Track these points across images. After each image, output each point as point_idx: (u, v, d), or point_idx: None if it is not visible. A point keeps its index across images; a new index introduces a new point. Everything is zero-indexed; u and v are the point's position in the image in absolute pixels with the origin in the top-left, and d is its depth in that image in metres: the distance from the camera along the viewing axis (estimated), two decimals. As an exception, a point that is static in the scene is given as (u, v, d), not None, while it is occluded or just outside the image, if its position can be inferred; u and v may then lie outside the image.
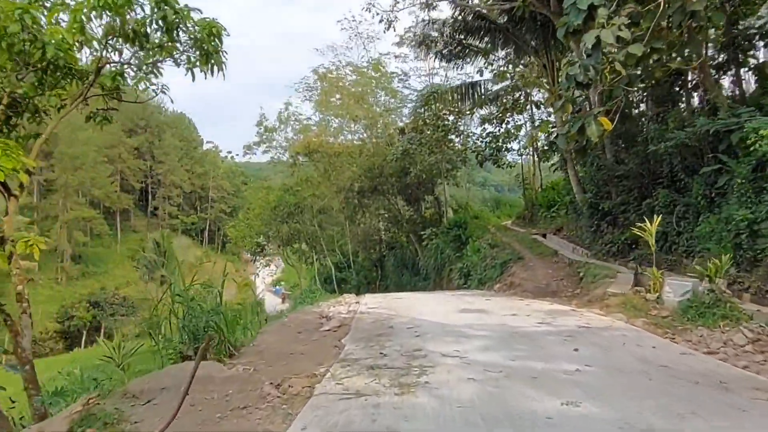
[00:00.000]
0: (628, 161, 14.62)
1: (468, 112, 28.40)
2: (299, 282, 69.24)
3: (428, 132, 28.95)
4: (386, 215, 34.92)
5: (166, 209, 76.51)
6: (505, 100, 26.78)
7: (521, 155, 32.59)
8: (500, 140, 29.67)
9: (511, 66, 27.54)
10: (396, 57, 36.38)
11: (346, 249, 47.32)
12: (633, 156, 14.40)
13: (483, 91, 24.77)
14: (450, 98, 24.37)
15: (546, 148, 29.75)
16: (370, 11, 24.16)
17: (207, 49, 7.59)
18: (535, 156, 30.71)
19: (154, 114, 78.50)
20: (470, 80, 26.86)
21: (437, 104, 26.79)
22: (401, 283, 34.31)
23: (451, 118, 28.52)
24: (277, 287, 75.51)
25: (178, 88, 11.44)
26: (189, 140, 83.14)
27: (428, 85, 27.42)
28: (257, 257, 41.18)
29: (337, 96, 32.52)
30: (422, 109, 28.12)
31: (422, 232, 29.23)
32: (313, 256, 51.25)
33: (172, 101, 25.57)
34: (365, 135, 32.68)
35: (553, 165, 23.73)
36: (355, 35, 33.33)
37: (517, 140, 31.29)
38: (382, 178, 31.42)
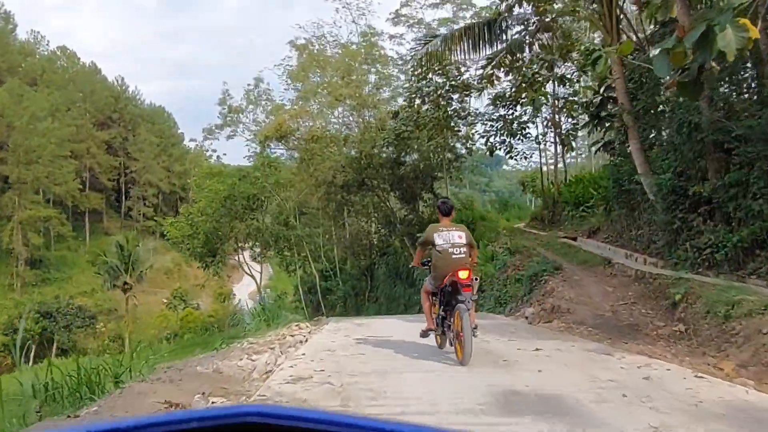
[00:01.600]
0: (748, 115, 9.18)
1: (479, 83, 22.94)
2: (283, 292, 63.77)
3: (427, 110, 23.55)
4: (376, 215, 29.44)
5: (141, 210, 70.53)
6: (524, 71, 21.25)
7: (539, 144, 27.14)
8: (514, 124, 24.20)
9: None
10: (391, 38, 31.15)
11: (332, 255, 41.82)
12: (758, 107, 9.03)
13: (503, 28, 19.02)
14: (457, 47, 18.85)
15: (571, 132, 24.39)
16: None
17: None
18: (557, 143, 25.25)
19: (128, 106, 72.97)
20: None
21: (442, 62, 21.38)
22: (393, 295, 28.80)
23: (468, 73, 23.02)
24: (261, 296, 69.95)
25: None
26: (167, 136, 77.41)
27: (427, 37, 21.83)
28: (213, 264, 33.50)
29: (317, 72, 27.14)
30: (419, 79, 22.73)
31: (419, 235, 23.73)
32: (295, 263, 45.82)
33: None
34: (351, 118, 27.27)
35: (595, 144, 18.28)
36: (344, 7, 28.09)
37: (534, 125, 25.89)
38: (372, 169, 25.99)
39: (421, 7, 31.08)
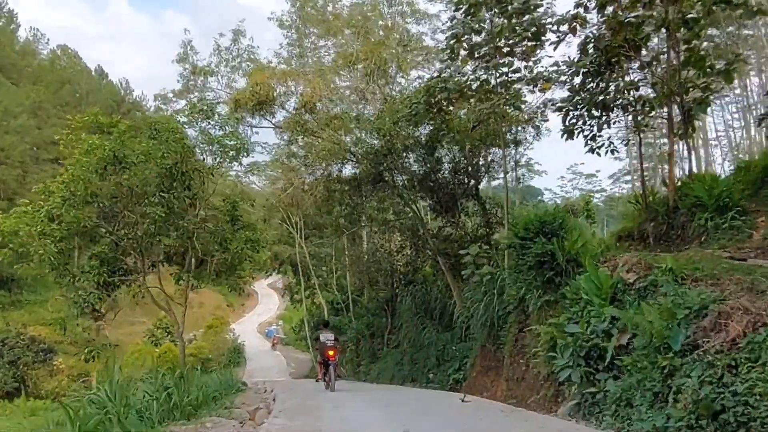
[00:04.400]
0: None
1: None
2: (299, 322, 55.44)
3: (477, 67, 15.42)
4: (400, 225, 21.10)
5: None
6: None
7: (642, 119, 18.40)
8: (609, 87, 15.66)
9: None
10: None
11: (346, 282, 33.54)
12: None
13: None
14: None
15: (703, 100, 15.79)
16: None
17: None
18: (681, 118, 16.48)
19: (132, 112, 66.75)
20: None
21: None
22: (421, 340, 20.28)
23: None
24: (270, 329, 61.59)
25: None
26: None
27: None
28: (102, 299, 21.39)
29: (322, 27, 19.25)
30: (467, 11, 14.59)
31: (462, 252, 15.29)
32: (302, 292, 37.59)
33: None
34: (366, 85, 19.19)
35: None
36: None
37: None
38: (393, 157, 17.85)
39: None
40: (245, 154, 14.42)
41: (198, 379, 13.53)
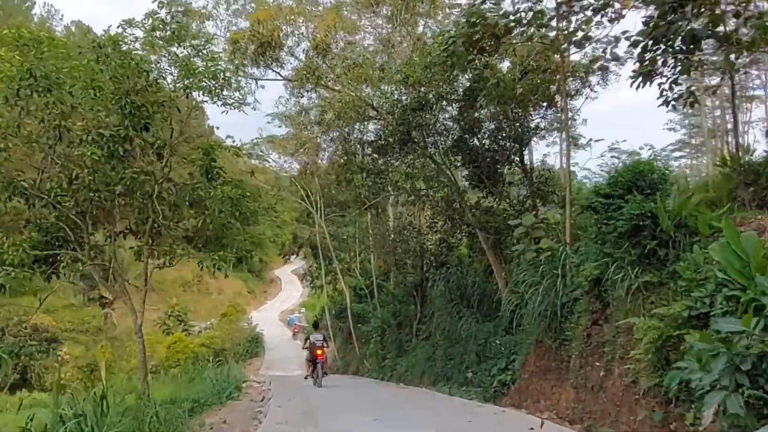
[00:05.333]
0: None
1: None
2: (319, 312, 52.90)
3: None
4: (431, 196, 17.92)
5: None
6: None
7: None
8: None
9: None
10: None
11: (370, 266, 30.62)
12: None
13: None
14: None
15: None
16: None
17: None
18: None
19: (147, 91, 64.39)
20: None
21: None
22: (456, 332, 17.18)
23: None
24: (292, 316, 59.11)
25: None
26: (191, 125, 68.41)
27: None
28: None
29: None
30: None
31: (513, 223, 12.08)
32: (322, 277, 34.78)
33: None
34: (391, 28, 15.98)
35: None
36: None
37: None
38: (423, 112, 14.70)
39: None
40: (234, 91, 11.17)
41: (175, 384, 10.66)
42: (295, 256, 43.06)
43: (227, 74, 10.64)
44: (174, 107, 10.89)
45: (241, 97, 11.98)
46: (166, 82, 10.96)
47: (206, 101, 11.03)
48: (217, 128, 30.63)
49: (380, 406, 13.53)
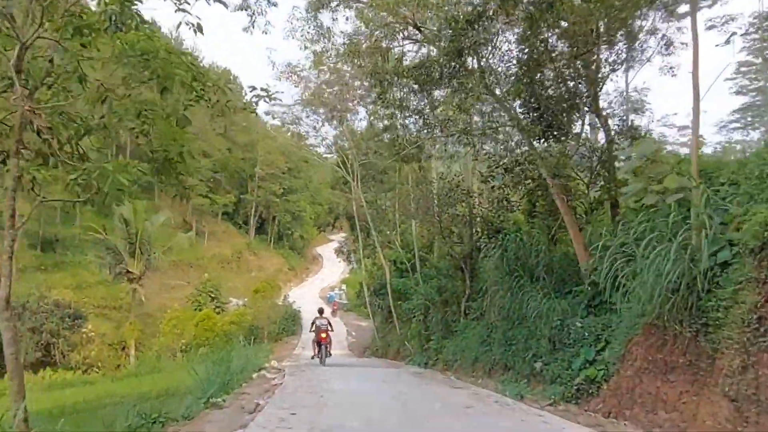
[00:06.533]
0: None
1: None
2: (358, 288, 50.15)
3: None
4: (488, 131, 14.29)
5: (193, 186, 59.28)
6: None
7: None
8: None
9: None
10: None
11: (410, 237, 27.41)
12: None
13: None
14: None
15: None
16: None
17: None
18: None
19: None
20: None
21: None
22: (518, 313, 13.80)
23: None
24: (332, 293, 56.66)
25: None
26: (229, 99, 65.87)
27: None
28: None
29: None
30: None
31: (622, 156, 8.53)
32: (360, 250, 31.79)
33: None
34: None
35: None
36: None
37: None
38: (481, 26, 11.18)
39: None
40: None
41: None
42: (330, 227, 40.14)
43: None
44: None
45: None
46: None
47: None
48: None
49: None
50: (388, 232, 28.62)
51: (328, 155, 32.46)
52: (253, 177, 66.49)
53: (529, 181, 14.47)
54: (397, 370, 19.39)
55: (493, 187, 15.57)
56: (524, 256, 15.23)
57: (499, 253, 15.87)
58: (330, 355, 19.96)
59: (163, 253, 33.96)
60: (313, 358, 20.22)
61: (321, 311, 21.66)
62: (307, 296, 54.35)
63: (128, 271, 31.64)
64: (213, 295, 38.66)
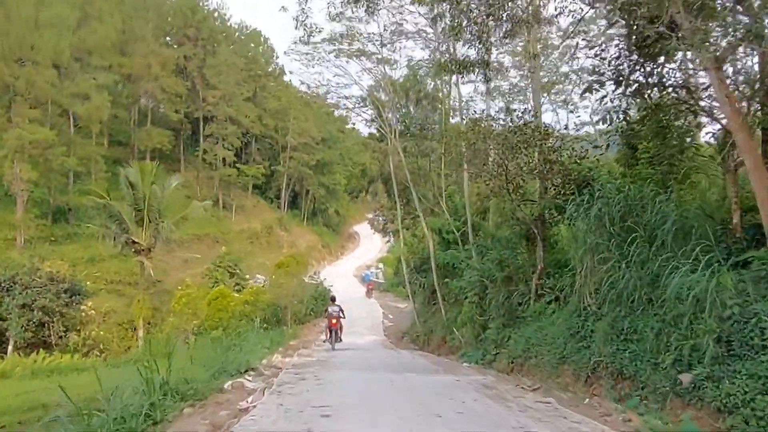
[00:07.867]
0: None
1: None
2: (394, 265, 45.53)
3: None
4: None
5: (219, 153, 55.22)
6: None
7: None
8: None
9: None
10: None
11: (460, 200, 22.63)
12: None
13: None
14: None
15: None
16: None
17: None
18: None
19: (208, 19, 57.96)
20: None
21: None
22: (644, 295, 9.00)
23: None
24: (367, 272, 52.39)
25: None
26: (258, 62, 61.45)
27: None
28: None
29: None
30: None
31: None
32: (398, 220, 27.17)
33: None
34: None
35: None
36: None
37: None
38: None
39: None
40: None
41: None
42: (364, 193, 35.69)
43: None
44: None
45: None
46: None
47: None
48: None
49: None
50: (432, 196, 23.92)
51: (362, 109, 27.92)
52: (285, 147, 62.40)
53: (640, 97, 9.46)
54: (455, 379, 12.72)
55: (602, 98, 10.50)
56: (633, 214, 10.39)
57: (596, 210, 10.99)
58: (340, 340, 21.97)
59: (176, 223, 30.07)
60: (324, 341, 22.58)
61: (333, 299, 23.66)
62: (340, 275, 50.42)
63: (134, 242, 27.95)
64: (232, 271, 34.85)
